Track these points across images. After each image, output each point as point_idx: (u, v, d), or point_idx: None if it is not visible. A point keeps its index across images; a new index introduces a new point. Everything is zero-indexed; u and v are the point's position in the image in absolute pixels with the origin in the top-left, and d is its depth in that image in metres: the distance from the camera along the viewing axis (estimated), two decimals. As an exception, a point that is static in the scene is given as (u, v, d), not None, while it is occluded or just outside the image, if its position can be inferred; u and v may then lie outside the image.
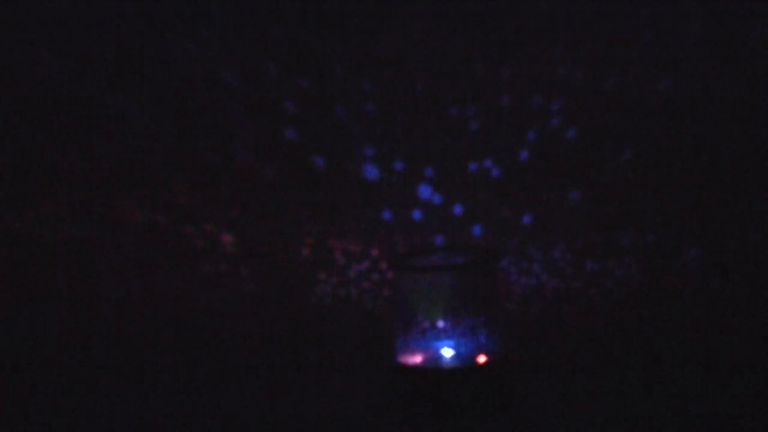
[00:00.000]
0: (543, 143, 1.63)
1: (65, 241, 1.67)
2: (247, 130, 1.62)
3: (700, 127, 1.60)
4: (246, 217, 1.67)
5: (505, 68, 1.57)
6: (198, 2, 1.56)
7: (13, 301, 1.70)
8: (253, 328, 1.67)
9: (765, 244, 1.61)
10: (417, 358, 1.35)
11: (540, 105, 1.61)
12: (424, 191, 1.58)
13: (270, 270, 1.68)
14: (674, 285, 1.64)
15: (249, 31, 1.58)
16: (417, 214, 1.66)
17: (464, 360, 1.35)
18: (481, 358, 1.36)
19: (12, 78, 1.61)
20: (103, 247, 1.68)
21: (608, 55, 1.59)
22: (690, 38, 1.56)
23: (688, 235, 1.63)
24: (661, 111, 1.59)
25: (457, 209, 1.66)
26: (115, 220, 1.66)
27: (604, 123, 1.61)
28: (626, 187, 1.63)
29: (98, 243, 1.67)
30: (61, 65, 1.59)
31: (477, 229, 1.66)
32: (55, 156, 1.62)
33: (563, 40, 1.59)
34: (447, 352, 1.35)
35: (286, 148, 1.64)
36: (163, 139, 1.65)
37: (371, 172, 1.65)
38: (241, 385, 1.52)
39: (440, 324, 1.35)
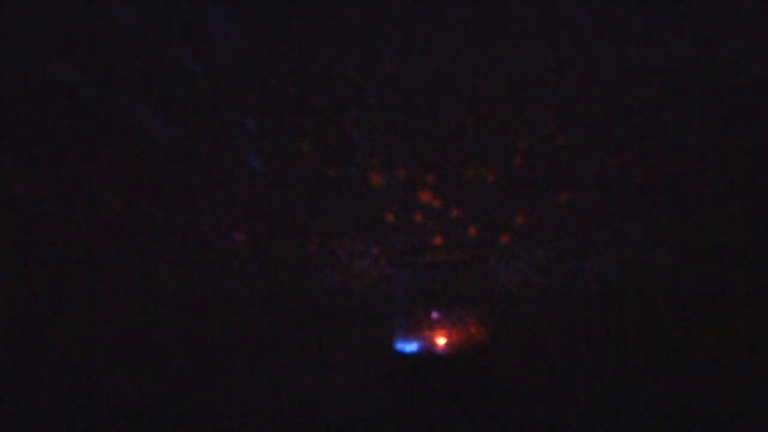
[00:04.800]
0: (532, 152, 1.66)
1: (99, 238, 1.71)
2: (262, 140, 1.67)
3: (675, 137, 1.62)
4: (258, 218, 1.71)
5: (499, 83, 1.61)
6: (221, 28, 1.59)
7: (53, 298, 1.71)
8: (265, 318, 1.72)
9: (735, 243, 1.64)
10: (413, 346, 1.40)
11: (531, 116, 1.64)
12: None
13: (279, 265, 1.72)
14: (648, 281, 1.67)
15: (265, 52, 1.61)
16: (416, 217, 1.71)
17: (456, 348, 1.40)
18: (471, 346, 1.39)
19: (48, 88, 1.61)
20: (132, 243, 1.72)
21: (594, 70, 1.61)
22: (669, 52, 1.57)
23: (661, 235, 1.66)
24: (638, 122, 1.62)
25: (453, 211, 1.71)
26: (141, 220, 1.70)
27: (588, 133, 1.64)
28: (605, 193, 1.66)
29: (127, 240, 1.72)
30: (91, 81, 1.61)
31: (470, 230, 1.71)
32: (92, 164, 1.66)
33: (553, 57, 1.61)
34: (441, 341, 1.40)
35: (297, 156, 1.67)
36: (187, 148, 1.68)
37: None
38: (255, 366, 1.58)
39: (434, 315, 1.40)
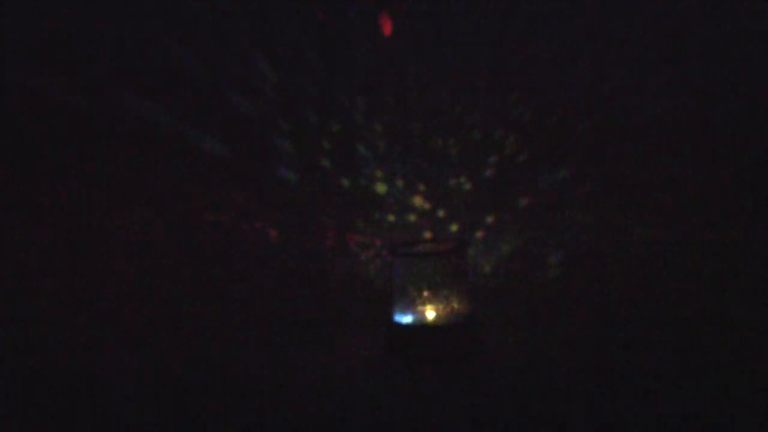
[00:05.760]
0: (500, 166, 1.78)
1: (158, 235, 1.78)
2: (291, 156, 1.78)
3: (610, 155, 1.73)
4: (287, 218, 1.81)
5: (476, 113, 1.73)
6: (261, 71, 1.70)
7: (113, 284, 1.77)
8: (291, 297, 1.80)
9: (661, 234, 1.72)
10: (408, 318, 1.50)
11: (499, 138, 1.77)
12: None
13: (303, 255, 1.81)
14: (594, 265, 1.77)
15: (294, 89, 1.73)
16: (409, 215, 1.82)
17: (443, 319, 1.49)
18: (454, 319, 1.49)
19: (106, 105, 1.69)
20: (184, 238, 1.79)
21: (546, 104, 1.73)
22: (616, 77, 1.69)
23: (604, 233, 1.77)
24: (582, 143, 1.73)
25: (439, 212, 1.83)
26: (193, 219, 1.78)
27: (543, 152, 1.76)
28: (557, 198, 1.78)
29: (180, 236, 1.79)
30: (170, 116, 1.71)
31: (453, 227, 1.82)
32: (155, 174, 1.75)
33: (515, 93, 1.73)
34: (430, 314, 1.50)
35: (318, 170, 1.78)
36: (233, 163, 1.77)
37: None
38: (283, 335, 1.66)
39: (425, 294, 1.50)
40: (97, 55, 1.67)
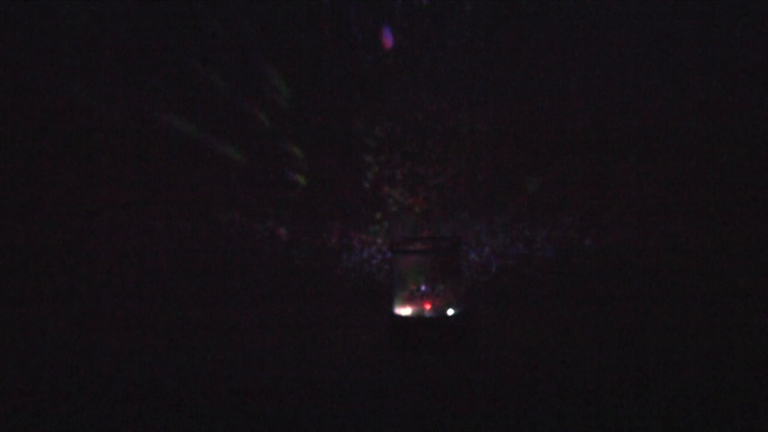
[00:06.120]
0: (490, 174, 1.82)
1: (178, 231, 1.83)
2: (300, 161, 1.82)
3: (580, 166, 1.78)
4: (295, 217, 1.84)
5: (465, 128, 1.79)
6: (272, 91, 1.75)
7: (139, 276, 1.83)
8: (299, 290, 1.84)
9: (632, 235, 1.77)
10: (407, 310, 1.53)
11: (490, 149, 1.80)
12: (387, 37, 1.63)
13: (310, 252, 1.84)
14: (576, 260, 1.81)
15: (308, 103, 1.78)
16: (407, 215, 1.86)
17: (438, 312, 1.52)
18: (450, 311, 1.52)
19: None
20: (201, 234, 1.84)
21: (537, 112, 1.77)
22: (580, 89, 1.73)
23: (586, 231, 1.81)
24: (557, 155, 1.78)
25: (436, 213, 1.87)
26: (210, 217, 1.84)
27: (528, 161, 1.81)
28: (540, 201, 1.82)
29: (196, 233, 1.84)
30: (198, 130, 1.76)
31: (447, 226, 1.85)
32: (177, 180, 1.82)
33: (508, 104, 1.78)
34: (427, 306, 1.52)
35: (326, 174, 1.82)
36: (243, 167, 1.82)
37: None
38: (288, 323, 1.69)
39: (423, 288, 1.53)
40: (131, 71, 1.76)
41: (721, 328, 1.53)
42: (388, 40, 1.71)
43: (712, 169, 1.71)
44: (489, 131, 1.77)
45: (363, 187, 1.83)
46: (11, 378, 1.42)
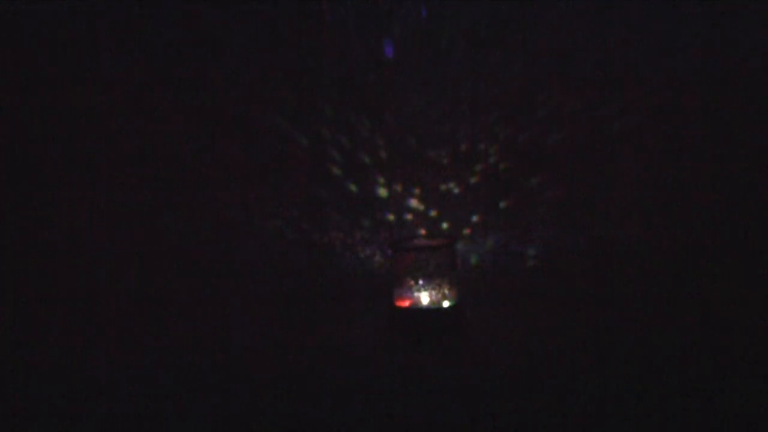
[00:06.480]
0: (484, 175, 1.82)
1: (189, 229, 1.87)
2: (306, 164, 1.85)
3: (567, 169, 1.79)
4: (302, 217, 1.87)
5: (460, 132, 1.81)
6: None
7: (152, 272, 1.84)
8: (306, 286, 1.87)
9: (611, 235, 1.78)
10: (406, 303, 1.57)
11: (482, 150, 1.81)
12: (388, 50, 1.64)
13: (316, 251, 1.88)
14: (563, 258, 1.82)
15: (314, 110, 1.80)
16: (407, 216, 1.88)
17: (435, 304, 1.56)
18: (445, 303, 1.56)
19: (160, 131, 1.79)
20: (209, 235, 1.88)
21: (524, 119, 1.78)
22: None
23: (570, 231, 1.82)
24: (547, 159, 1.79)
25: (432, 213, 1.89)
26: (221, 218, 1.87)
27: (518, 163, 1.82)
28: (530, 201, 1.83)
29: (207, 233, 1.87)
30: (192, 121, 1.77)
31: (443, 225, 1.88)
32: (190, 184, 1.84)
33: (497, 112, 1.79)
34: (425, 299, 1.56)
35: (330, 177, 1.85)
36: (252, 167, 1.85)
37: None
38: (296, 316, 1.73)
39: (420, 282, 1.57)
40: (146, 78, 1.80)
41: (706, 328, 1.54)
42: (388, 52, 1.75)
43: (710, 169, 1.72)
44: (482, 137, 1.80)
45: (366, 190, 1.87)
46: (11, 378, 1.42)
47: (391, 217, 1.87)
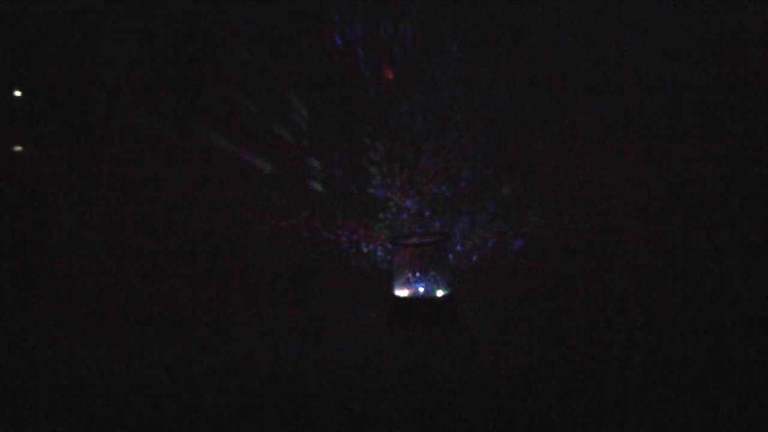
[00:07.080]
0: (472, 178, 1.99)
1: (202, 228, 2.01)
2: (317, 171, 2.01)
3: (552, 172, 1.95)
4: (311, 218, 2.02)
5: (456, 138, 1.96)
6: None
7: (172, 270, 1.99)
8: (316, 279, 2.05)
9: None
10: (404, 292, 1.73)
11: (471, 156, 1.98)
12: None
13: (325, 247, 2.05)
14: (548, 255, 1.98)
15: (320, 120, 1.95)
16: (405, 216, 2.05)
17: (431, 293, 1.71)
18: (439, 292, 1.70)
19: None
20: (224, 232, 2.02)
21: (507, 129, 1.95)
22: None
23: (551, 228, 1.97)
24: (533, 161, 1.94)
25: (427, 212, 2.05)
26: (229, 216, 2.02)
27: (505, 166, 1.97)
28: (515, 202, 1.99)
29: (220, 230, 2.02)
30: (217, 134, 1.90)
31: (437, 224, 2.06)
32: (215, 185, 2.00)
33: (483, 124, 1.97)
34: (421, 290, 1.72)
35: (333, 179, 2.00)
36: (264, 176, 2.00)
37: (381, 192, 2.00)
38: (306, 306, 1.90)
39: (417, 274, 1.72)
40: (179, 94, 1.98)
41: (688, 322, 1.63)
42: (388, 73, 1.92)
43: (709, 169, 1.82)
44: (471, 146, 1.97)
45: (367, 191, 2.00)
46: (11, 378, 1.47)
47: (391, 216, 2.03)
